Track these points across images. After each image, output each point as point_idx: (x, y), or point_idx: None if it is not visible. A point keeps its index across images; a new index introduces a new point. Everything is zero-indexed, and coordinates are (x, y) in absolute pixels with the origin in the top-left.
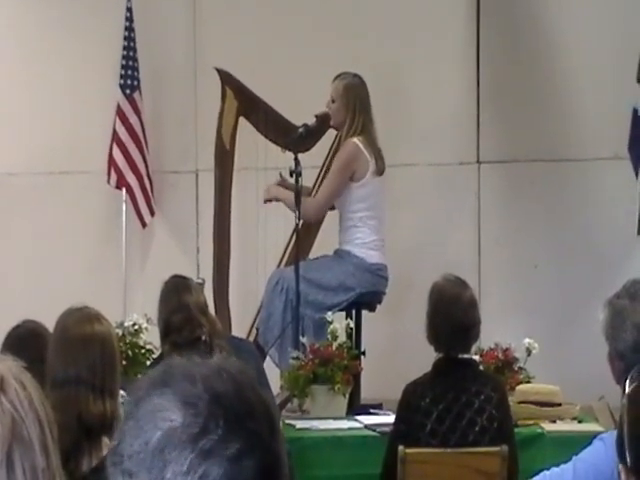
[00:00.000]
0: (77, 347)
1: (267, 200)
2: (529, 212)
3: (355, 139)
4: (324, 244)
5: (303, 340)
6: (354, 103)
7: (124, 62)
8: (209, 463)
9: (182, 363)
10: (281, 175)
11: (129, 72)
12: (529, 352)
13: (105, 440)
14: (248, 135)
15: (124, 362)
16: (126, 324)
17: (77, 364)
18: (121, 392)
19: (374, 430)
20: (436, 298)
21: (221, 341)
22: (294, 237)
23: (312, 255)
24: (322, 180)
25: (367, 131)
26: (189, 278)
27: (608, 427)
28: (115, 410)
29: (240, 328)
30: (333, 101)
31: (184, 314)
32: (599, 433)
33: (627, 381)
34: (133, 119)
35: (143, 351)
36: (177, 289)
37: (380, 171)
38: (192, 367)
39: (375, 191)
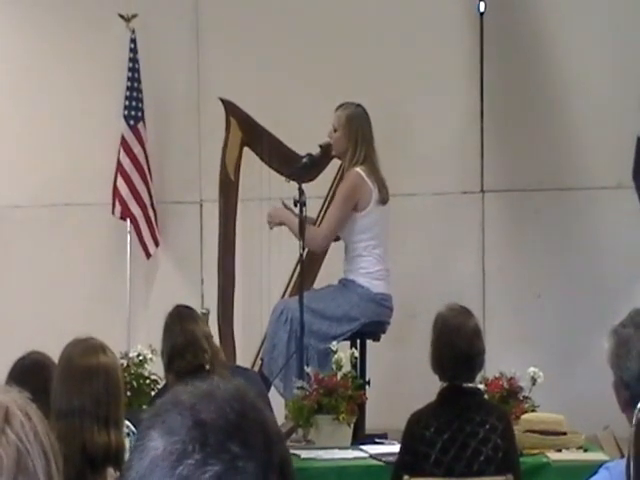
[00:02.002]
0: (82, 378)
1: (273, 225)
2: (533, 241)
3: (358, 169)
4: (329, 274)
5: (308, 370)
6: (356, 133)
7: (128, 93)
8: None
9: (177, 390)
10: (284, 204)
11: (133, 103)
12: (534, 381)
13: (110, 471)
14: (252, 165)
15: (129, 393)
16: (131, 355)
17: (82, 395)
18: (126, 422)
19: (379, 460)
20: (440, 327)
21: (224, 370)
22: (298, 267)
23: (317, 285)
24: (326, 210)
25: (370, 160)
26: (192, 308)
27: (614, 456)
28: (120, 441)
29: (245, 358)
30: (335, 130)
31: (187, 337)
32: (604, 462)
33: (636, 409)
34: (137, 150)
35: (148, 382)
36: (181, 317)
37: (383, 200)
38: (183, 394)
39: (379, 220)
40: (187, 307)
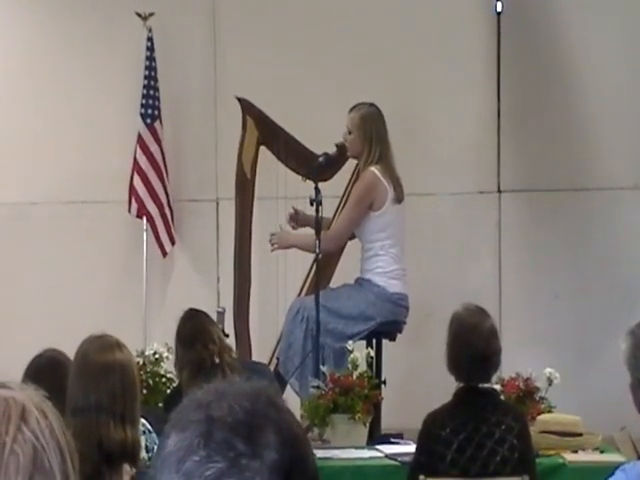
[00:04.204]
0: (98, 374)
1: (279, 249)
2: (549, 241)
3: (373, 168)
4: (345, 273)
5: (323, 369)
6: (371, 133)
7: (145, 91)
8: None
9: (197, 391)
10: (294, 209)
11: (150, 101)
12: (550, 382)
13: (125, 467)
14: (268, 164)
15: (144, 391)
16: (147, 353)
17: (98, 391)
18: (142, 420)
19: (395, 459)
20: (456, 327)
21: (232, 360)
22: (314, 266)
23: (333, 284)
24: (342, 210)
25: (385, 159)
26: (203, 311)
27: (630, 457)
28: (135, 437)
29: (261, 357)
30: (350, 132)
31: (197, 328)
32: (621, 463)
33: None
34: (154, 148)
35: (163, 380)
36: (191, 316)
37: (399, 199)
38: (200, 393)
39: (395, 219)
40: (197, 310)
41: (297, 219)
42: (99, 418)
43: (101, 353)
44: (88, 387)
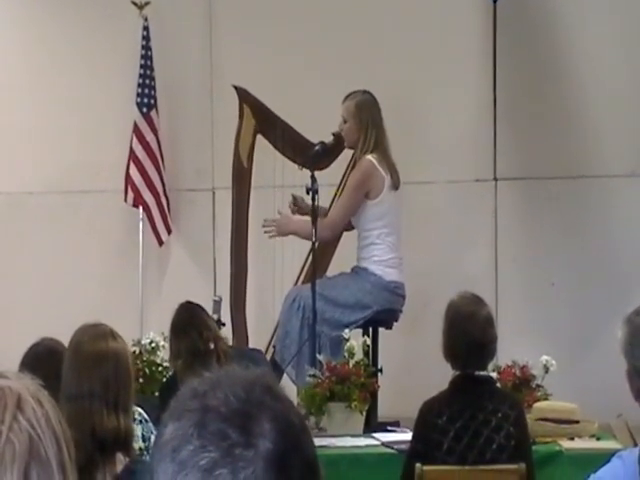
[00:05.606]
0: (91, 363)
1: (277, 236)
2: (546, 229)
3: (369, 156)
4: (342, 261)
5: (320, 358)
6: (367, 121)
7: (141, 80)
8: (184, 474)
9: (195, 380)
10: (293, 196)
11: (146, 90)
12: (546, 369)
13: (119, 456)
14: (265, 153)
15: (141, 380)
16: (143, 342)
17: (91, 380)
18: (138, 410)
19: (391, 448)
20: (452, 315)
21: (227, 348)
22: (311, 255)
23: (330, 272)
24: (339, 198)
25: (381, 146)
26: (198, 304)
27: (627, 445)
28: (129, 426)
29: (257, 345)
30: (345, 121)
31: (192, 315)
32: (617, 451)
33: None
34: (150, 137)
35: (160, 369)
36: (186, 308)
37: (396, 185)
38: (197, 382)
39: (392, 207)
40: (192, 302)
41: (298, 205)
42: (92, 406)
43: (95, 342)
44: (82, 375)
